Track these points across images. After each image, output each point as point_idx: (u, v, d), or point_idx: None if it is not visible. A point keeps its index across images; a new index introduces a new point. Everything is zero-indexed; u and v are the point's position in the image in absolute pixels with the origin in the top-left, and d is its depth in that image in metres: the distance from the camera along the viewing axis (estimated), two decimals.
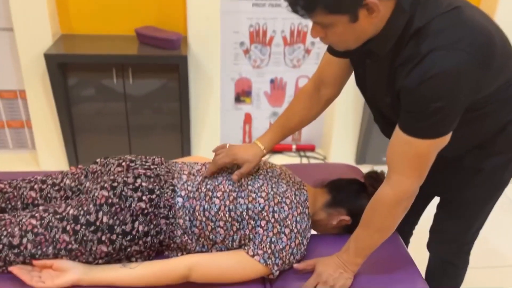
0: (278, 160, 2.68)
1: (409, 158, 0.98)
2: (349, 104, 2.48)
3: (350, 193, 1.32)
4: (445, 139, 0.96)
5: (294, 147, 2.73)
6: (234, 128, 2.72)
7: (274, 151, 2.74)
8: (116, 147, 2.42)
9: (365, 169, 2.59)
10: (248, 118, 2.70)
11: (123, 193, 1.14)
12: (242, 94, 2.62)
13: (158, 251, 1.23)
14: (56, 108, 2.23)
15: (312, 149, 2.76)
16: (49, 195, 1.27)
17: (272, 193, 1.21)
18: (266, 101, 2.66)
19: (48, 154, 2.46)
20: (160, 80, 2.26)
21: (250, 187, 1.22)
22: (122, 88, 2.25)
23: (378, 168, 2.63)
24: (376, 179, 1.31)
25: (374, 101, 1.18)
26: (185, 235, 1.18)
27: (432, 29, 0.90)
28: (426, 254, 1.48)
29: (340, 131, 2.57)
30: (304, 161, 2.69)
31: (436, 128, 0.94)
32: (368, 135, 2.52)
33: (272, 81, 2.60)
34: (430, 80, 0.88)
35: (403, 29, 0.93)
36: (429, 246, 1.44)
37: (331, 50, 1.21)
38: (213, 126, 2.51)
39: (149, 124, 2.39)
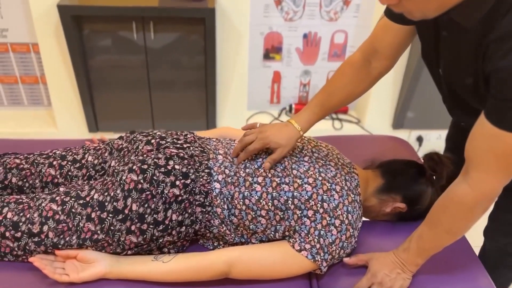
0: None
1: (497, 154, 0.81)
2: None
3: (406, 178, 1.17)
4: None
5: None
6: (261, 88, 2.53)
7: None
8: (136, 103, 2.28)
9: (402, 134, 2.43)
10: (277, 77, 2.50)
11: (154, 177, 1.00)
12: (272, 51, 2.41)
13: (192, 240, 1.11)
14: (71, 63, 2.07)
15: (345, 110, 2.58)
16: (69, 173, 1.15)
17: (320, 178, 1.07)
18: (298, 59, 2.45)
19: (64, 111, 2.32)
20: (184, 34, 2.07)
21: (294, 171, 1.08)
22: (143, 42, 2.07)
23: (416, 133, 2.45)
24: (438, 162, 1.15)
25: (448, 80, 0.99)
26: (223, 225, 1.05)
27: None
28: (479, 238, 1.34)
29: (378, 93, 2.37)
30: (337, 124, 2.51)
31: None
32: (408, 98, 2.32)
33: (305, 36, 2.37)
34: None
35: None
36: (487, 233, 1.30)
37: (390, 15, 1.02)
38: (240, 85, 2.33)
39: (172, 81, 2.23)
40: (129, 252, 1.03)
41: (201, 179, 1.05)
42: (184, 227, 1.03)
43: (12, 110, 2.45)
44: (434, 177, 1.16)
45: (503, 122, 0.78)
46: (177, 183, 1.01)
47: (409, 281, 1.03)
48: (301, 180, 1.06)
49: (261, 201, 1.04)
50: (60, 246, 0.99)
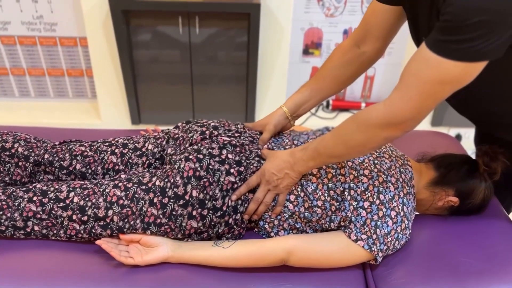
0: (345, 118, 2.50)
1: (420, 79, 0.81)
2: None
3: (460, 172, 1.16)
4: (472, 70, 0.78)
5: (363, 104, 2.55)
6: (299, 83, 2.52)
7: (341, 108, 2.56)
8: (177, 97, 2.33)
9: (441, 131, 2.40)
10: (315, 72, 2.50)
11: (210, 166, 1.04)
12: (311, 46, 2.42)
13: (247, 228, 1.14)
14: (118, 56, 2.13)
15: None
16: (130, 161, 1.19)
17: (375, 170, 1.08)
18: None
19: (109, 103, 2.39)
20: (227, 30, 2.10)
21: (350, 163, 1.10)
22: (188, 37, 2.11)
23: (455, 131, 2.41)
24: (492, 158, 1.14)
25: None
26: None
27: None
28: None
29: None
30: None
31: (468, 48, 0.75)
32: None
33: (345, 32, 2.37)
34: None
35: None
36: None
37: None
38: (280, 80, 2.35)
39: (213, 75, 2.27)
40: (189, 239, 1.07)
41: (251, 166, 1.09)
42: (239, 214, 1.06)
43: (58, 102, 2.53)
44: (486, 171, 1.16)
45: (437, 46, 0.77)
46: (232, 170, 1.05)
47: (297, 180, 1.06)
48: (356, 172, 1.08)
49: (317, 191, 1.06)
50: (125, 230, 1.04)
